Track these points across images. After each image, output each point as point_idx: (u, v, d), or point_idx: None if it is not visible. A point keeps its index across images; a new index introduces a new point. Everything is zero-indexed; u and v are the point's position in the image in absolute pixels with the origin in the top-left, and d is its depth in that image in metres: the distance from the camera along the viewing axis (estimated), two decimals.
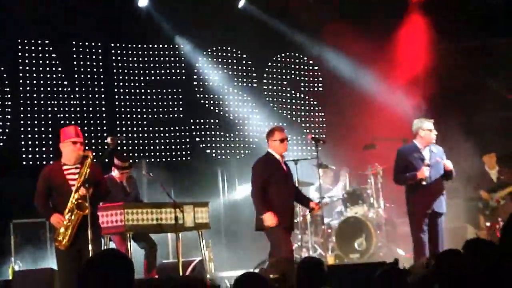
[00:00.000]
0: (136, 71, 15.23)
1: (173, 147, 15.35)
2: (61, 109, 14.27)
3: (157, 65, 15.46)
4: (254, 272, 4.93)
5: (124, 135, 14.56)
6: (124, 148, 14.51)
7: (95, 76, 14.80)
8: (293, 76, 17.01)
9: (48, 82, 14.28)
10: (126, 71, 15.12)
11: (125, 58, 15.16)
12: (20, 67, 14.14)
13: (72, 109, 14.41)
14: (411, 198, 10.27)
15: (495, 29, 15.87)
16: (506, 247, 2.92)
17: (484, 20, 15.70)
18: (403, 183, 10.34)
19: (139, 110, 15.11)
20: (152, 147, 15.12)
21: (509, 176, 13.29)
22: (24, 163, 13.76)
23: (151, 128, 15.18)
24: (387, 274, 5.36)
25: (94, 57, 14.82)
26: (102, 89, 14.84)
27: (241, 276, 4.80)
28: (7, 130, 13.79)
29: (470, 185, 13.99)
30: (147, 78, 15.33)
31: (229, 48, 16.31)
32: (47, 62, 14.33)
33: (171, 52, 15.64)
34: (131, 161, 11.43)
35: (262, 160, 9.64)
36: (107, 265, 3.75)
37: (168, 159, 15.24)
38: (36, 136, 13.95)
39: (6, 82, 13.97)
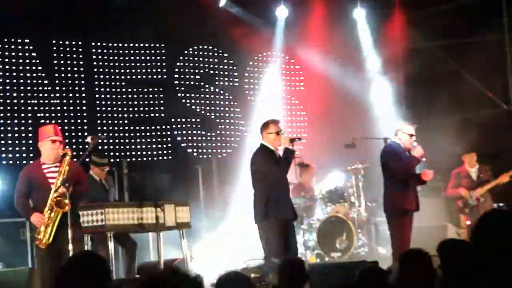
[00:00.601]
0: (117, 70, 15.17)
1: (154, 146, 15.31)
2: (41, 108, 14.20)
3: (137, 64, 15.40)
4: (236, 271, 4.92)
5: (105, 134, 14.50)
6: (105, 147, 14.46)
7: (76, 75, 14.73)
8: (274, 75, 16.98)
9: (28, 81, 14.20)
10: (106, 69, 15.06)
11: (105, 56, 15.10)
12: (0, 66, 14.05)
13: (53, 108, 14.34)
14: (397, 194, 10.21)
15: (475, 27, 15.92)
16: (477, 248, 2.91)
17: (463, 18, 15.75)
18: (407, 171, 10.23)
19: (120, 109, 15.05)
20: (133, 146, 15.06)
21: (488, 174, 13.34)
22: (3, 162, 13.67)
23: (132, 127, 15.13)
24: (367, 274, 5.38)
25: (74, 55, 14.75)
26: (83, 88, 14.77)
27: (224, 275, 4.79)
28: None
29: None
30: (128, 76, 15.26)
31: (210, 47, 16.29)
32: (27, 61, 14.25)
33: (152, 51, 15.59)
34: (108, 158, 11.49)
35: (261, 152, 9.69)
36: (83, 266, 3.75)
37: (149, 158, 15.19)
38: (16, 135, 13.87)
39: None
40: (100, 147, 13.63)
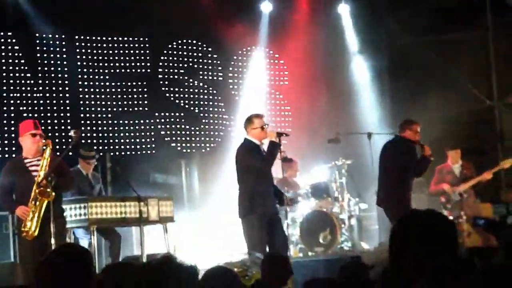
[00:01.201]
0: (101, 64, 15.10)
1: (137, 140, 15.27)
2: (24, 101, 14.13)
3: (121, 58, 15.34)
4: (223, 266, 4.91)
5: (88, 128, 14.46)
6: (89, 141, 14.40)
7: (59, 69, 14.66)
8: (257, 69, 16.98)
9: (11, 75, 14.12)
10: (90, 63, 14.99)
11: (89, 50, 15.03)
12: None
13: (35, 101, 14.26)
14: (407, 194, 10.39)
15: (459, 23, 15.98)
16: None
17: (447, 14, 15.80)
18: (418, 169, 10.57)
19: (103, 103, 14.99)
20: (116, 140, 15.02)
21: (471, 171, 13.39)
22: None
23: (115, 121, 15.08)
24: (349, 268, 5.39)
25: (58, 49, 14.67)
26: (66, 82, 14.71)
27: (211, 270, 4.78)
28: None
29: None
30: (112, 70, 15.21)
31: (194, 41, 16.26)
32: (10, 54, 14.17)
33: (136, 45, 15.53)
34: (95, 151, 11.48)
35: (246, 146, 9.69)
36: (66, 259, 3.73)
37: (133, 152, 15.15)
38: None
39: None
40: (83, 141, 13.57)
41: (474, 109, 16.36)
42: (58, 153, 9.30)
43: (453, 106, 16.32)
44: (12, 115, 13.86)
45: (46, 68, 14.53)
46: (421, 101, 15.74)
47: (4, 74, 14.05)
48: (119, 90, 15.19)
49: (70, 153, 10.56)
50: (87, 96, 14.87)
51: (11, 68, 14.15)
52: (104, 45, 15.22)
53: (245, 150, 9.69)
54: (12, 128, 13.57)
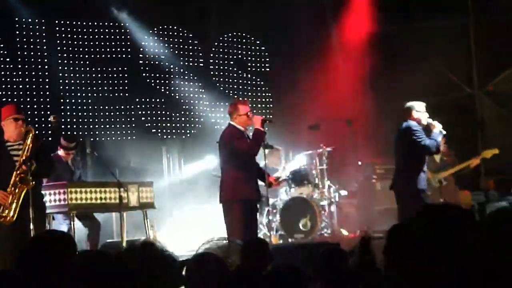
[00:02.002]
0: (81, 49, 15.02)
1: (117, 126, 15.22)
2: (3, 86, 14.05)
3: (102, 43, 15.27)
4: (210, 253, 4.90)
5: (68, 113, 14.41)
6: (68, 126, 14.35)
7: (39, 54, 14.58)
8: (240, 56, 16.97)
9: None
10: (70, 48, 14.91)
11: (69, 35, 14.95)
12: None
13: (15, 86, 14.19)
14: (416, 175, 10.26)
15: (439, 10, 16.00)
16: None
17: (428, 1, 15.82)
18: (437, 144, 10.29)
19: (83, 88, 14.93)
20: (96, 126, 14.96)
21: (452, 158, 13.45)
22: None
23: (95, 107, 15.03)
24: (328, 255, 5.40)
25: (37, 34, 14.59)
26: (46, 67, 14.63)
27: (196, 256, 4.77)
28: None
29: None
30: (92, 56, 15.14)
31: (175, 27, 16.20)
32: None
33: (117, 30, 15.45)
34: (77, 142, 11.41)
35: (231, 132, 9.66)
36: (48, 244, 3.72)
37: (113, 138, 15.11)
38: None
39: None
40: (63, 126, 13.52)
41: (454, 97, 16.42)
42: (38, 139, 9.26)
43: (433, 93, 16.36)
44: None
45: (25, 53, 14.44)
46: (401, 88, 15.76)
47: None
48: (99, 75, 15.12)
49: (50, 138, 10.53)
50: (67, 81, 14.80)
51: None
52: (85, 30, 15.13)
53: (231, 135, 9.65)
54: None
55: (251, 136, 9.68)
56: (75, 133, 14.07)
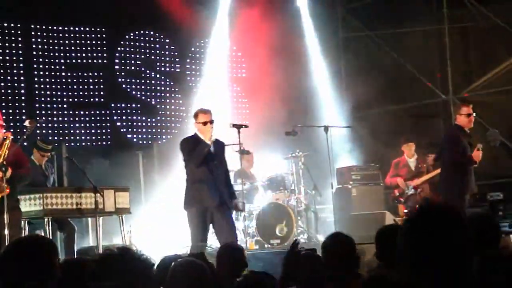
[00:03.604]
0: (57, 54, 14.97)
1: (93, 131, 15.18)
2: None
3: (77, 48, 15.22)
4: (192, 259, 4.89)
5: (44, 118, 14.34)
6: (44, 131, 14.28)
7: (14, 58, 14.51)
8: (216, 61, 16.95)
9: None
10: (46, 53, 14.85)
11: (45, 40, 14.89)
12: None
13: None
14: (461, 179, 10.32)
15: (415, 17, 16.11)
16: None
17: (403, 7, 15.90)
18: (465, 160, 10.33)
19: (59, 93, 14.88)
20: (72, 131, 14.91)
21: (427, 164, 13.52)
22: None
23: (71, 112, 14.98)
24: (303, 261, 5.41)
25: (13, 38, 14.52)
26: (21, 71, 14.57)
27: (180, 262, 4.76)
28: None
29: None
30: (68, 60, 15.09)
31: (151, 32, 16.18)
32: None
33: (92, 35, 15.41)
34: (53, 145, 11.38)
35: (185, 139, 9.97)
36: (30, 250, 3.70)
37: (88, 143, 15.06)
38: None
39: None
40: (38, 131, 13.45)
41: (429, 103, 16.51)
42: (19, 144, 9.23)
43: (408, 100, 16.46)
44: None
45: (1, 57, 14.37)
46: (377, 94, 15.85)
47: None
48: (75, 80, 15.07)
49: (25, 143, 10.48)
50: (42, 86, 14.74)
51: None
52: (60, 35, 15.07)
53: (183, 144, 9.84)
54: None
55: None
56: (50, 138, 14.03)
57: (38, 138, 11.16)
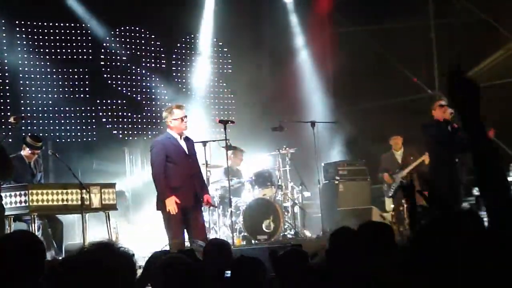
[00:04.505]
0: (42, 49, 14.90)
1: (79, 127, 15.12)
2: None
3: (63, 44, 15.16)
4: (181, 256, 4.86)
5: (29, 114, 14.26)
6: (29, 127, 14.22)
7: None
8: (201, 56, 16.93)
9: None
10: (31, 49, 14.78)
11: (30, 36, 14.82)
12: None
13: None
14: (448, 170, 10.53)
15: (401, 13, 16.12)
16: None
17: (389, 3, 15.92)
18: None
19: (44, 89, 14.81)
20: (57, 127, 14.85)
21: (411, 158, 13.60)
22: None
23: (56, 108, 14.92)
24: (289, 257, 5.39)
25: None
26: (6, 67, 14.49)
27: (167, 259, 4.73)
28: None
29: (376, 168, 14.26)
30: (53, 56, 15.02)
31: (137, 28, 16.13)
32: None
33: (78, 31, 15.35)
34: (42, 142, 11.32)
35: (159, 140, 9.67)
36: (17, 248, 3.66)
37: (74, 139, 15.00)
38: None
39: None
40: (23, 128, 13.38)
41: (415, 98, 16.54)
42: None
43: (395, 95, 16.48)
44: None
45: None
46: (364, 89, 15.87)
47: None
48: (60, 76, 15.01)
49: (10, 140, 10.43)
50: (27, 82, 14.67)
51: None
52: (46, 30, 15.01)
53: (152, 145, 9.74)
54: None
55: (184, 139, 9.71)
56: (35, 134, 13.97)
57: (29, 134, 11.08)
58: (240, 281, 5.08)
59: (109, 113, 15.53)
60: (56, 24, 15.12)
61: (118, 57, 15.76)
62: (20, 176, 10.32)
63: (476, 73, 15.88)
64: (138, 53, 16.06)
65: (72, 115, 15.10)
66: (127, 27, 15.98)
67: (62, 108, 14.97)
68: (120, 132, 15.58)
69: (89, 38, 15.43)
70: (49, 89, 14.82)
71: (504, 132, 15.43)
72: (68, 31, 15.24)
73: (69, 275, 2.90)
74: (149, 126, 15.97)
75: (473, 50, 16.22)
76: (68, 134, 14.97)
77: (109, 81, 15.66)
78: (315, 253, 5.97)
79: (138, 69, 15.97)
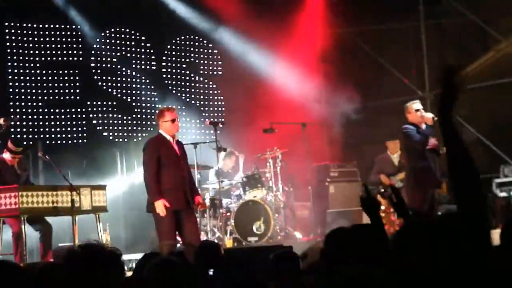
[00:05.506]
0: (32, 51, 14.86)
1: (69, 129, 15.09)
2: None
3: (53, 45, 15.12)
4: (172, 258, 4.85)
5: (18, 116, 14.23)
6: (18, 130, 14.19)
7: None
8: (192, 59, 16.93)
9: None
10: (21, 50, 14.75)
11: (19, 37, 14.78)
12: None
13: None
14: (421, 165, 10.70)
15: (391, 14, 16.15)
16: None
17: (379, 4, 15.94)
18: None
19: (34, 91, 14.78)
20: (47, 129, 14.81)
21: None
22: None
23: (46, 110, 14.88)
24: (280, 258, 5.40)
25: None
26: None
27: (159, 261, 4.72)
28: None
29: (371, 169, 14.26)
30: (43, 58, 14.99)
31: (127, 30, 16.11)
32: None
33: (68, 32, 15.32)
34: (24, 148, 11.25)
35: (153, 141, 9.66)
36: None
37: (64, 141, 14.97)
38: None
39: None
40: (12, 129, 13.35)
41: (406, 100, 16.54)
42: None
43: (386, 96, 16.49)
44: None
45: None
46: (354, 91, 15.87)
47: None
48: (50, 78, 14.99)
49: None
50: (17, 83, 14.64)
51: None
52: (35, 32, 14.97)
53: (145, 146, 9.71)
54: None
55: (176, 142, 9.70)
56: (24, 136, 13.97)
57: (10, 139, 11.04)
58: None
59: (100, 115, 15.49)
60: (46, 25, 15.09)
61: (109, 59, 15.74)
62: (3, 179, 10.30)
63: (466, 75, 15.91)
64: (128, 55, 16.03)
65: (63, 117, 15.07)
66: (117, 29, 15.95)
67: (52, 110, 14.93)
68: (111, 134, 15.55)
69: (79, 40, 15.40)
70: (39, 91, 14.79)
71: (494, 133, 15.50)
72: (58, 33, 15.21)
73: (58, 277, 2.89)
74: (139, 128, 15.94)
75: (463, 51, 16.27)
76: (59, 136, 14.93)
77: (100, 83, 15.63)
78: (305, 254, 5.99)
79: (129, 71, 15.95)
